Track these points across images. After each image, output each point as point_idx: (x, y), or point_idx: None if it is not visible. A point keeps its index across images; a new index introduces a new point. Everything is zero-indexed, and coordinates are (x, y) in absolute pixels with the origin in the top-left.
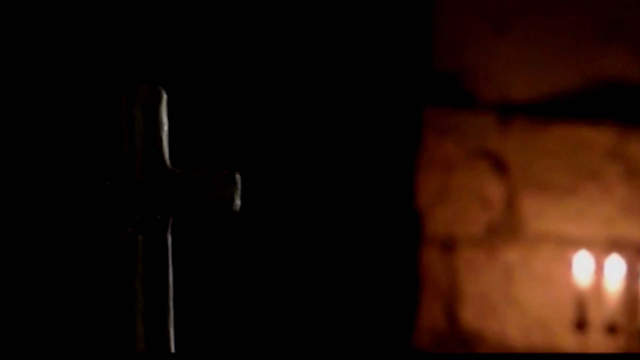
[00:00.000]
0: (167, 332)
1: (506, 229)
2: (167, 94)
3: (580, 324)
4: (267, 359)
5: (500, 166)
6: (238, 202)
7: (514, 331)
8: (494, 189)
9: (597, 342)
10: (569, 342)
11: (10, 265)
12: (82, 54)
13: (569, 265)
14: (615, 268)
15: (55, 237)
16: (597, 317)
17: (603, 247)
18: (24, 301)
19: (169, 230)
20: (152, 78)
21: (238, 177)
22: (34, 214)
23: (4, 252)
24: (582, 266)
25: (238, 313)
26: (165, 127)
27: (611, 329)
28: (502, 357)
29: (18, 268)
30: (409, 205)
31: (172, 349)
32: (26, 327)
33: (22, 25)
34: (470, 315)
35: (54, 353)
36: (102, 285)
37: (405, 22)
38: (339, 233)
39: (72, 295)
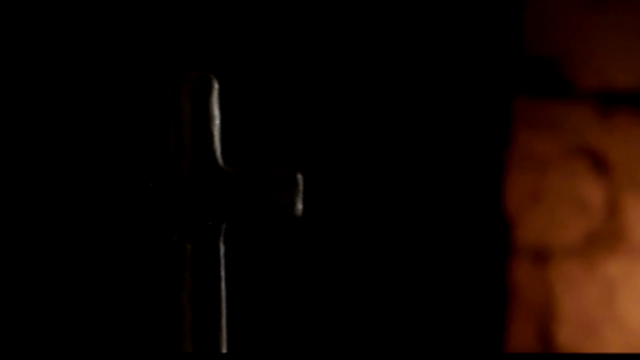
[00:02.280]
0: (219, 354)
1: (608, 237)
2: (219, 82)
3: None
4: None
5: (601, 165)
6: (299, 206)
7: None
8: (595, 192)
9: None
10: None
11: (44, 273)
12: (121, 37)
13: None
14: None
15: (92, 244)
16: None
17: None
18: (58, 310)
19: (221, 238)
20: (202, 65)
21: (300, 177)
22: (68, 219)
23: (37, 259)
24: None
25: (300, 333)
26: (217, 121)
27: None
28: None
29: (51, 276)
30: (497, 210)
31: None
32: (61, 335)
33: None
34: (566, 336)
35: None
36: (145, 300)
37: None
38: (415, 241)
39: (112, 311)
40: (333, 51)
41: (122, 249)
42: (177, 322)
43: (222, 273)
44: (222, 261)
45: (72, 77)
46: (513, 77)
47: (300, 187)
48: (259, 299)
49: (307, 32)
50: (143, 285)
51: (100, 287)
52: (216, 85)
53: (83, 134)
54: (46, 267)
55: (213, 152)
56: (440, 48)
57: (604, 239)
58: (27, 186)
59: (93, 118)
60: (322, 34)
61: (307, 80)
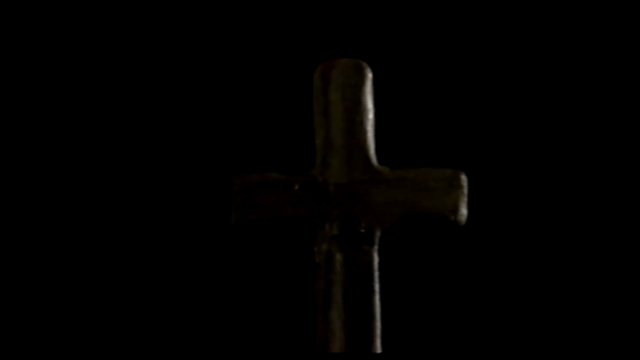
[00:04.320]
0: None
1: None
2: (372, 70)
3: None
4: None
5: None
6: (464, 211)
7: None
8: None
9: None
10: None
11: (177, 281)
12: (260, 18)
13: None
14: None
15: (230, 252)
16: None
17: None
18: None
19: (376, 247)
20: (353, 50)
21: (464, 178)
22: (204, 223)
23: (169, 265)
24: None
25: (460, 341)
26: (371, 115)
27: None
28: None
29: (183, 286)
30: None
31: None
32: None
33: None
34: None
35: None
36: (288, 317)
37: None
38: (593, 250)
39: (260, 316)
40: (504, 40)
41: (264, 256)
42: (326, 341)
43: (377, 287)
44: (377, 274)
45: (208, 67)
46: None
47: (465, 190)
48: (414, 308)
49: (481, 19)
50: (285, 301)
51: (243, 292)
52: (369, 74)
53: (217, 132)
54: (191, 277)
55: (366, 149)
56: (622, 37)
57: None
58: (158, 185)
59: (228, 112)
60: (497, 23)
61: (474, 67)
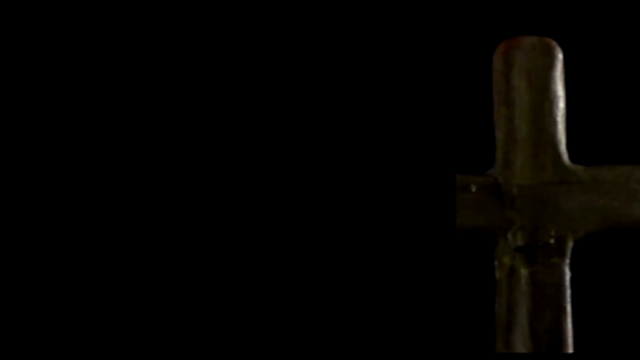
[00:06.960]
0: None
1: None
2: (563, 51)
3: None
4: None
5: None
6: None
7: None
8: None
9: None
10: None
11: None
12: None
13: None
14: None
15: (394, 262)
16: None
17: None
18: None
19: (567, 260)
20: (540, 27)
21: None
22: (369, 227)
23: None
24: None
25: None
26: (562, 104)
27: None
28: None
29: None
30: None
31: None
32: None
33: None
34: None
35: None
36: (462, 341)
37: None
38: None
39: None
40: None
41: (433, 270)
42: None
43: (569, 308)
44: (568, 292)
45: (369, 52)
46: None
47: None
48: (610, 332)
49: None
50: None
51: (407, 309)
52: (560, 55)
53: (379, 121)
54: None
55: (556, 144)
56: None
57: None
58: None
59: (394, 102)
60: None
61: None
